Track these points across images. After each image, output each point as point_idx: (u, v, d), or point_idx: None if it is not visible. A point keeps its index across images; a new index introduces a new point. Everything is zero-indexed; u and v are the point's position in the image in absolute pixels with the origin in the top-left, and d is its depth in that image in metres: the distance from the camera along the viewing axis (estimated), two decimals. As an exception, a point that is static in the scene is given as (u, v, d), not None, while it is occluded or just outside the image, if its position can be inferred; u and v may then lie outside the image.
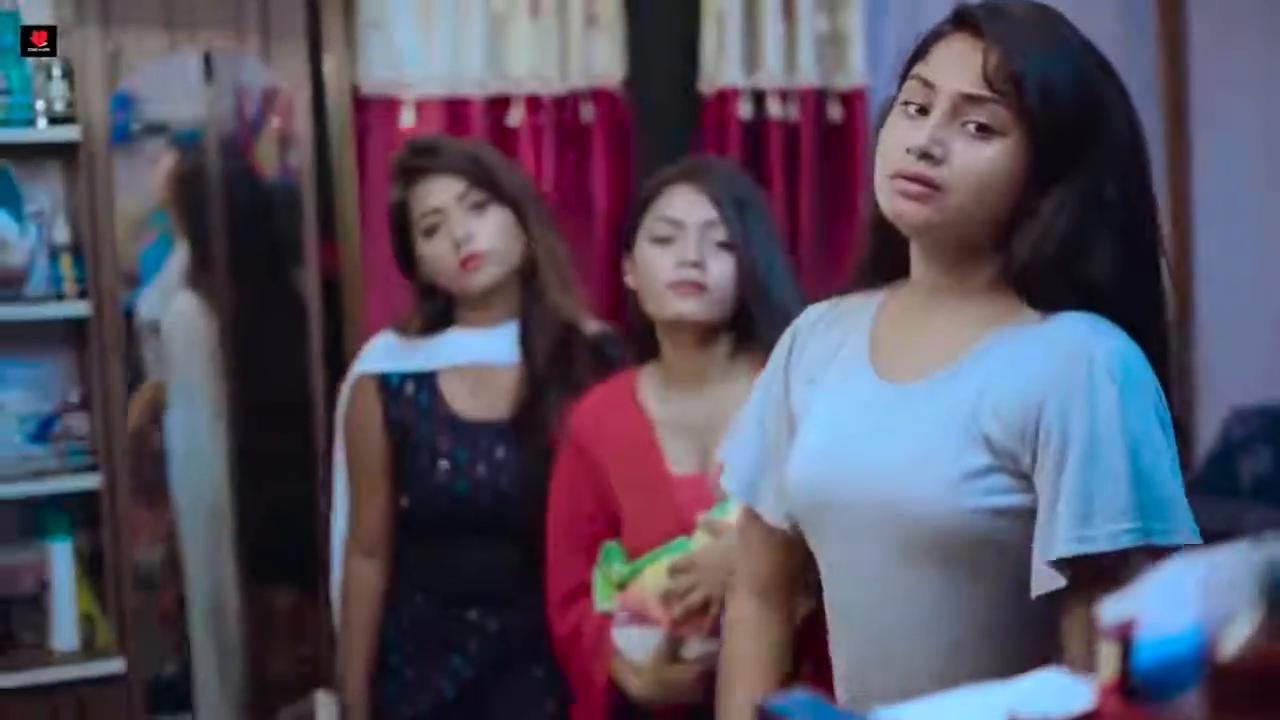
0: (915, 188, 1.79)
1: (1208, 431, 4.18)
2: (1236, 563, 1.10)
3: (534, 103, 3.84)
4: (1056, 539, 1.74)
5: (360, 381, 2.99)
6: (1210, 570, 1.14)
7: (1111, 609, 1.26)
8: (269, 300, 3.76)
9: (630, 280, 2.63)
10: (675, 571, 2.43)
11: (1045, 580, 1.77)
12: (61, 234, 3.46)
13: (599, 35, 3.90)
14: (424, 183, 2.90)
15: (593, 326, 2.94)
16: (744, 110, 3.99)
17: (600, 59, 3.91)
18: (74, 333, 3.52)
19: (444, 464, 2.88)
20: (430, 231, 2.88)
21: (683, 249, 2.52)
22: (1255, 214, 4.15)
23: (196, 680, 3.63)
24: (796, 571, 2.07)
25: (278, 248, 3.77)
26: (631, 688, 2.53)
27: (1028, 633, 1.83)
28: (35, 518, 3.50)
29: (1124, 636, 1.19)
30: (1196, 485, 3.97)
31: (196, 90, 3.62)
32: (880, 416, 1.88)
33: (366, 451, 2.97)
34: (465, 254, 2.85)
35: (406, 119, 3.73)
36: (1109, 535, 1.73)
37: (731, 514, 2.37)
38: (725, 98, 3.98)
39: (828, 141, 4.08)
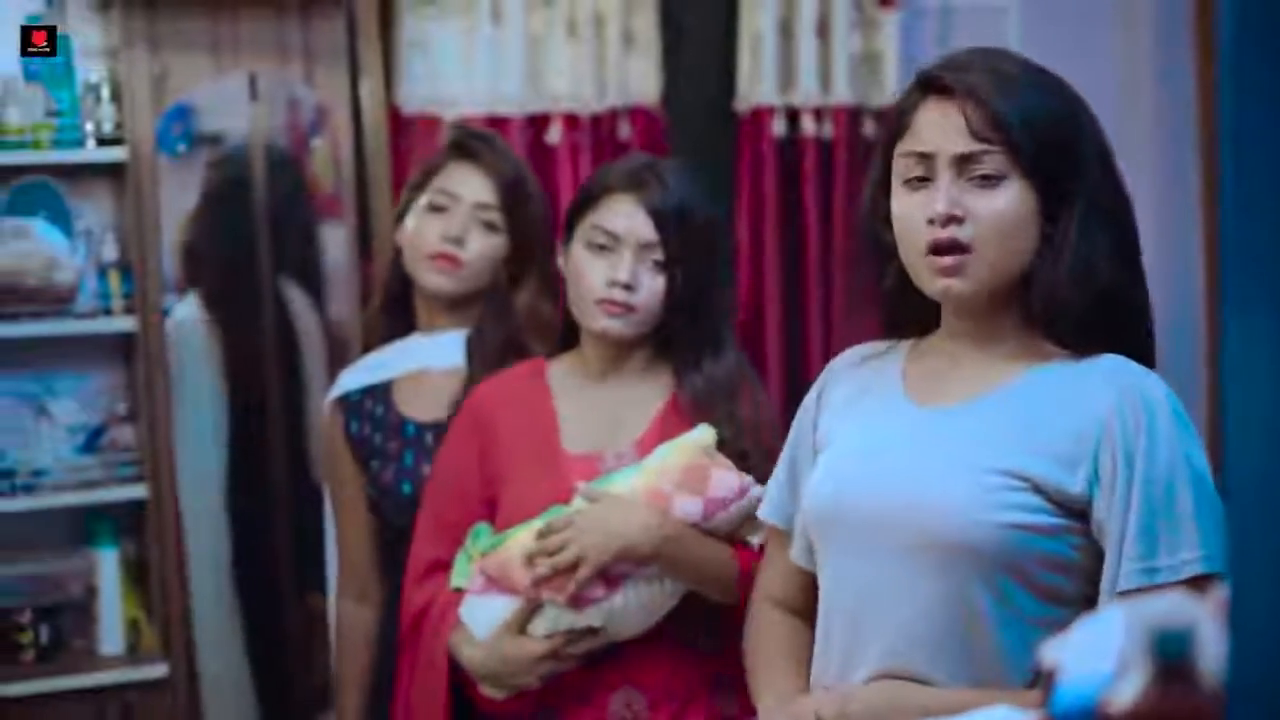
0: (950, 259, 1.88)
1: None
2: (1154, 615, 1.16)
3: (572, 121, 3.91)
4: (1124, 572, 1.82)
5: (328, 410, 2.97)
6: (1135, 620, 1.20)
7: (1047, 651, 1.32)
8: (294, 314, 3.82)
9: (563, 268, 2.58)
10: (546, 531, 2.36)
11: None
12: (110, 251, 3.57)
13: (636, 54, 3.97)
14: (463, 166, 2.85)
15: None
16: (779, 128, 4.05)
17: (637, 78, 3.97)
18: (122, 347, 3.63)
19: (392, 467, 2.84)
20: (433, 208, 2.83)
21: (616, 266, 2.46)
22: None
23: (202, 692, 3.67)
24: (815, 592, 2.11)
25: (316, 265, 3.83)
26: (468, 661, 2.43)
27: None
28: (84, 526, 3.62)
29: (1048, 681, 1.25)
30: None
31: (243, 107, 3.70)
32: (911, 434, 1.96)
33: (339, 479, 2.93)
34: (443, 251, 2.80)
35: (446, 138, 3.80)
36: (1173, 567, 1.81)
37: (615, 485, 2.38)
38: (760, 116, 4.04)
39: (863, 159, 4.12)
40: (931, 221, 1.87)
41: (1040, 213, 1.88)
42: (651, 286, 2.48)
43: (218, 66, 3.61)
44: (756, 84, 4.04)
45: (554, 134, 3.90)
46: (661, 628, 2.41)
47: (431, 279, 2.84)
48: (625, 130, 3.96)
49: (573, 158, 3.91)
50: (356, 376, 2.97)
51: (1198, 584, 1.79)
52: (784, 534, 2.15)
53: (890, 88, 4.10)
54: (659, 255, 2.47)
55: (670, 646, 2.40)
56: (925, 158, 1.89)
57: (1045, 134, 1.87)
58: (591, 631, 2.39)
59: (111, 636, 3.57)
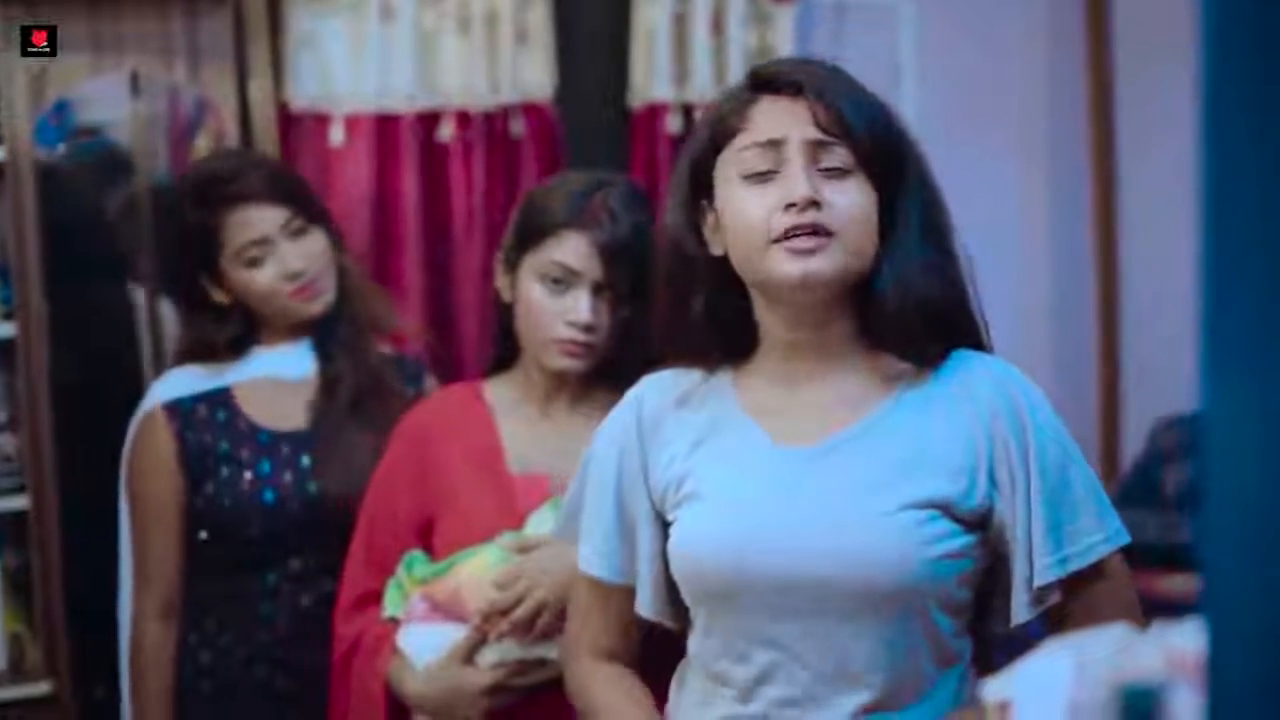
0: (809, 241, 1.80)
1: (1133, 442, 4.22)
2: (1104, 657, 1.13)
3: (464, 118, 3.85)
4: (1037, 569, 1.83)
5: (147, 418, 2.86)
6: (1080, 661, 1.17)
7: (991, 688, 1.30)
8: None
9: (504, 292, 2.53)
10: (500, 586, 2.32)
11: (1026, 609, 1.86)
12: (-13, 255, 3.46)
13: (529, 50, 3.91)
14: (240, 211, 2.78)
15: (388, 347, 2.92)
16: (673, 124, 4.00)
17: (530, 74, 3.91)
18: (1, 354, 3.51)
19: (249, 475, 2.77)
20: (254, 263, 2.79)
21: (576, 305, 2.41)
22: (1182, 223, 4.19)
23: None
24: (641, 638, 2.08)
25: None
26: (410, 691, 2.38)
27: (967, 666, 1.91)
28: (-38, 538, 3.50)
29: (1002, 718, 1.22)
30: (1124, 496, 4.01)
31: (124, 105, 3.60)
32: (800, 479, 1.87)
33: (157, 492, 2.82)
34: (300, 285, 2.79)
35: (336, 135, 3.73)
36: (1084, 551, 1.84)
37: (552, 524, 2.34)
38: (655, 111, 3.99)
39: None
40: (791, 206, 1.80)
41: (879, 215, 1.86)
42: (606, 323, 2.43)
43: (98, 65, 3.50)
44: (650, 80, 3.99)
45: (445, 131, 3.84)
46: None
47: (302, 310, 2.83)
48: (518, 127, 3.90)
49: (465, 155, 3.85)
50: (183, 383, 2.88)
51: (1104, 560, 1.85)
52: (608, 587, 2.05)
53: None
54: (611, 292, 2.42)
55: None
56: (773, 145, 1.83)
57: (880, 137, 1.86)
58: (541, 663, 2.34)
59: (-8, 652, 3.46)
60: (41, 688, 3.43)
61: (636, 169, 3.97)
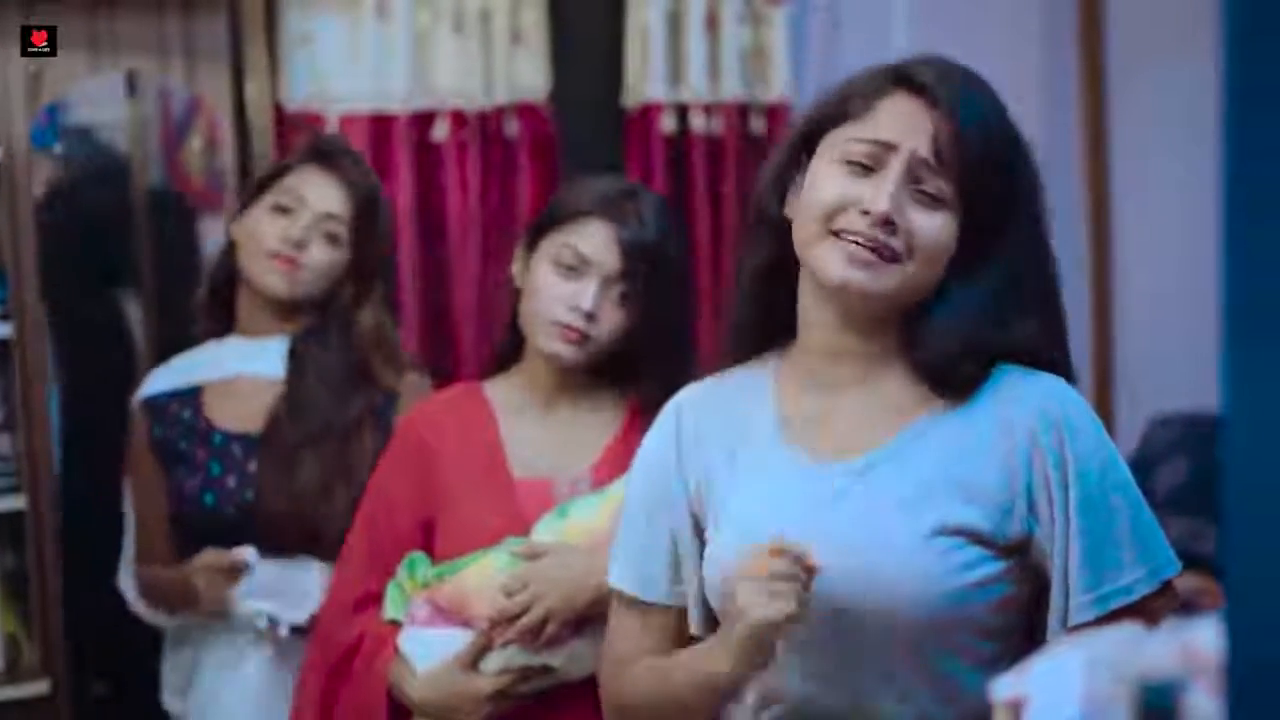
0: (870, 255, 1.73)
1: (1127, 441, 4.22)
2: (1119, 654, 1.13)
3: (459, 118, 3.85)
4: (1074, 606, 1.74)
5: (135, 410, 2.91)
6: (1094, 657, 1.18)
7: (1003, 685, 1.30)
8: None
9: (517, 277, 2.49)
10: (508, 592, 2.30)
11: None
12: (-18, 256, 3.45)
13: (524, 50, 3.91)
14: (318, 173, 2.78)
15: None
16: (668, 124, 4.01)
17: (525, 74, 3.92)
18: (-3, 354, 3.52)
19: (198, 476, 2.77)
20: (278, 209, 2.77)
21: (580, 292, 2.38)
22: (1176, 218, 4.20)
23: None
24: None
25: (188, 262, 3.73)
26: (412, 695, 2.36)
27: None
28: (-41, 539, 3.50)
29: (1014, 715, 1.23)
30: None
31: (119, 104, 3.61)
32: (817, 511, 1.80)
33: (141, 484, 2.87)
34: (282, 252, 2.75)
35: (331, 135, 3.73)
36: (1123, 590, 1.74)
37: (574, 516, 2.33)
38: (649, 112, 4.00)
39: (751, 154, 4.10)
40: (865, 214, 1.72)
41: (958, 244, 1.76)
42: (612, 318, 2.40)
43: (95, 64, 3.50)
44: (645, 80, 4.00)
45: (440, 131, 3.84)
46: None
47: (268, 279, 2.77)
48: (513, 127, 3.91)
49: (459, 155, 3.85)
50: (165, 378, 2.90)
51: (1146, 598, 1.75)
52: (647, 606, 1.94)
53: (780, 83, 4.09)
54: (624, 288, 2.39)
55: None
56: (886, 148, 1.74)
57: (991, 183, 1.75)
58: (545, 670, 2.33)
59: (-11, 653, 3.46)
60: (38, 688, 3.42)
61: (631, 169, 3.98)
